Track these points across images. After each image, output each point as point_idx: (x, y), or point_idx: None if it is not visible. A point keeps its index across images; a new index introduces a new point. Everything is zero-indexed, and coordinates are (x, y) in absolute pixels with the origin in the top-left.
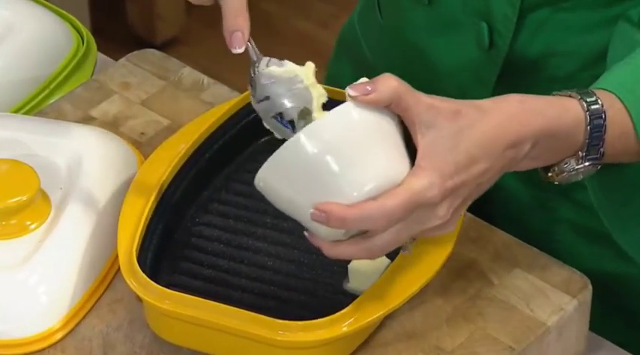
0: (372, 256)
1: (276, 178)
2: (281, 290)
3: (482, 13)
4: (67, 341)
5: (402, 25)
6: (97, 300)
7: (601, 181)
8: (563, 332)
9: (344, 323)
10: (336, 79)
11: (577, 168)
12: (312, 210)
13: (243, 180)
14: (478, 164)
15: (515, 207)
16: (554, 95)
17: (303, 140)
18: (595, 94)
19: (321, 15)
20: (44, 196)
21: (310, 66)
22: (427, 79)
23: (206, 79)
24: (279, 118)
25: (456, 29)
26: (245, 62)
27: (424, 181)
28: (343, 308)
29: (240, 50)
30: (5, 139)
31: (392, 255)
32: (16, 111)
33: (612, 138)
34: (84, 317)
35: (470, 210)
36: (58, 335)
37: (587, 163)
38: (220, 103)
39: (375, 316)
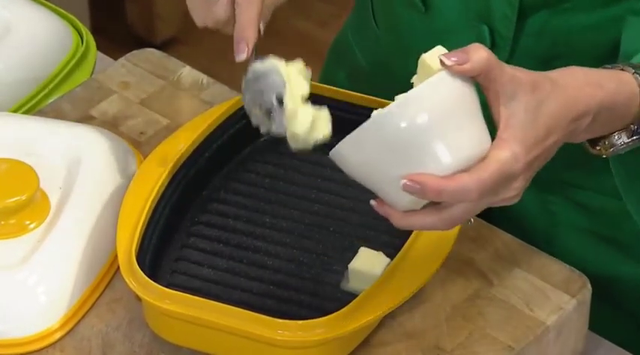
0: (446, 227)
1: (364, 147)
2: (280, 290)
3: (482, 16)
4: (66, 341)
5: (399, 34)
6: (97, 300)
7: (628, 165)
8: (562, 331)
9: (343, 323)
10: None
11: (627, 142)
12: (404, 181)
13: (242, 179)
14: (552, 136)
15: (515, 209)
16: (606, 68)
17: (397, 110)
18: None
19: (321, 15)
20: (43, 196)
21: (297, 62)
22: None
23: (205, 79)
24: (259, 109)
25: (454, 35)
26: (244, 62)
27: (510, 153)
28: (342, 307)
29: (242, 58)
30: (4, 139)
31: (392, 255)
32: (16, 110)
33: None
34: (83, 316)
35: None
36: (57, 335)
37: (637, 137)
38: (219, 103)
39: (374, 315)
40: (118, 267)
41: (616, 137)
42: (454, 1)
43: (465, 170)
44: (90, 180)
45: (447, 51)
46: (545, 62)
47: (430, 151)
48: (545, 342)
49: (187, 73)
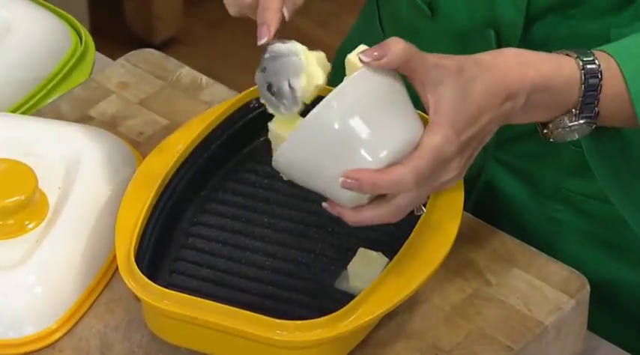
0: (395, 218)
1: (298, 152)
2: (279, 290)
3: (488, 21)
4: (64, 341)
5: (406, 39)
6: (95, 300)
7: (598, 146)
8: (561, 331)
9: (342, 323)
10: None
11: (570, 126)
12: (342, 179)
13: (241, 179)
14: (484, 115)
15: (516, 212)
16: (552, 52)
17: (323, 111)
18: (593, 54)
19: (320, 14)
20: (42, 196)
21: (318, 52)
22: None
23: (204, 79)
24: (268, 89)
25: (461, 40)
26: (243, 62)
27: (442, 137)
28: (341, 307)
29: (263, 42)
30: (3, 139)
31: (390, 255)
32: (14, 110)
33: (606, 99)
34: (82, 317)
35: (470, 211)
36: (56, 335)
37: (581, 121)
38: (218, 103)
39: (373, 315)
40: (117, 268)
41: (559, 120)
42: (461, 7)
43: (401, 158)
44: (89, 181)
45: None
46: None
47: (362, 146)
48: (543, 342)
49: (186, 73)
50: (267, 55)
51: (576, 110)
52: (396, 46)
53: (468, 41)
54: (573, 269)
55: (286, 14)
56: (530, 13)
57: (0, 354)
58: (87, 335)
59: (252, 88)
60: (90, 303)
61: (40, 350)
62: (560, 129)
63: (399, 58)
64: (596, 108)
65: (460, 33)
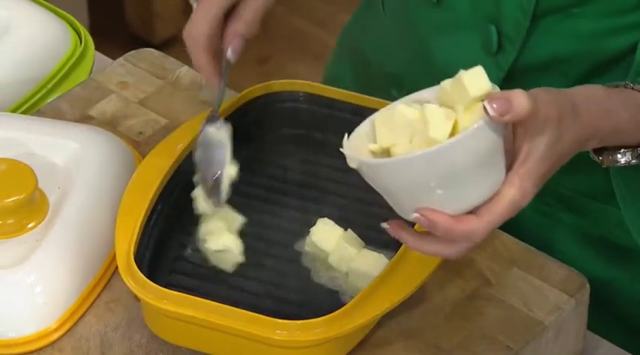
0: (457, 257)
1: (392, 175)
2: (279, 290)
3: (491, 17)
4: (64, 341)
5: (408, 25)
6: (95, 300)
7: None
8: (561, 331)
9: (342, 323)
10: (336, 81)
11: (630, 161)
12: (415, 214)
13: (240, 179)
14: (561, 162)
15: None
16: (628, 87)
17: (443, 150)
18: None
19: (319, 14)
20: (42, 196)
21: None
22: (431, 81)
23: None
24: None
25: (463, 31)
26: (243, 62)
27: (520, 191)
28: (341, 307)
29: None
30: (3, 139)
31: (391, 256)
32: (14, 110)
33: None
34: (81, 316)
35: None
36: (56, 335)
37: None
38: None
39: (372, 315)
40: (117, 267)
41: (620, 155)
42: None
43: (477, 206)
44: (88, 180)
45: (485, 74)
46: (546, 66)
47: (452, 192)
48: (543, 342)
49: (186, 72)
50: (200, 138)
51: None
52: (521, 104)
53: (468, 33)
54: (573, 269)
55: (231, 57)
56: (537, 12)
57: (0, 354)
58: (87, 334)
59: (251, 88)
60: (90, 303)
61: (40, 349)
62: (617, 163)
63: (522, 116)
64: None
65: (462, 24)
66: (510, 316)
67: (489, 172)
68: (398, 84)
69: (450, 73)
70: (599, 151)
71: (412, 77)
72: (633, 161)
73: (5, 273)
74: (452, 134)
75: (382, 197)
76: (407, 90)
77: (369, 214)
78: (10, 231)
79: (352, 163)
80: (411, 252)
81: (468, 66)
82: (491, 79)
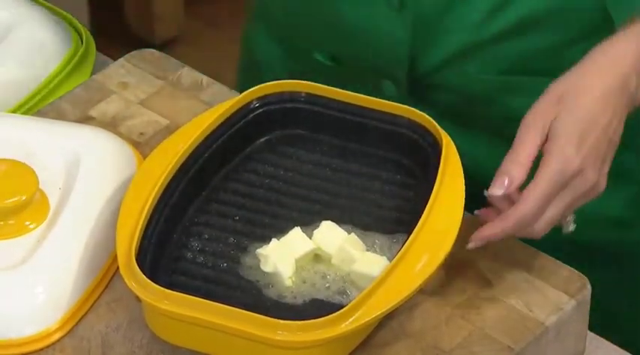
0: (537, 236)
1: None
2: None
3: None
4: (65, 342)
5: None
6: (96, 300)
7: None
8: (561, 332)
9: (343, 323)
10: (251, 41)
11: None
12: (472, 244)
13: (241, 179)
14: (599, 121)
15: None
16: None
17: None
18: None
19: None
20: (43, 196)
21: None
22: (345, 42)
23: (205, 79)
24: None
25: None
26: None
27: (558, 162)
28: (342, 308)
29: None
30: (4, 139)
31: (390, 255)
32: (15, 111)
33: None
34: (83, 317)
35: (469, 211)
36: (57, 336)
37: None
38: (219, 103)
39: (373, 316)
40: (118, 268)
41: None
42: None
43: None
44: (89, 181)
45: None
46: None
47: None
48: (544, 343)
49: (187, 73)
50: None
51: None
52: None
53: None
54: (574, 270)
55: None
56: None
57: (1, 354)
58: (88, 335)
59: (253, 88)
60: (91, 303)
61: (40, 350)
62: None
63: (520, 181)
64: None
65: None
66: (511, 316)
67: None
68: (318, 47)
69: (358, 32)
70: None
71: (320, 39)
72: None
73: (6, 274)
74: None
75: (383, 197)
76: (327, 52)
77: (370, 214)
78: (11, 231)
79: None
80: (411, 253)
81: (374, 22)
82: (399, 34)
